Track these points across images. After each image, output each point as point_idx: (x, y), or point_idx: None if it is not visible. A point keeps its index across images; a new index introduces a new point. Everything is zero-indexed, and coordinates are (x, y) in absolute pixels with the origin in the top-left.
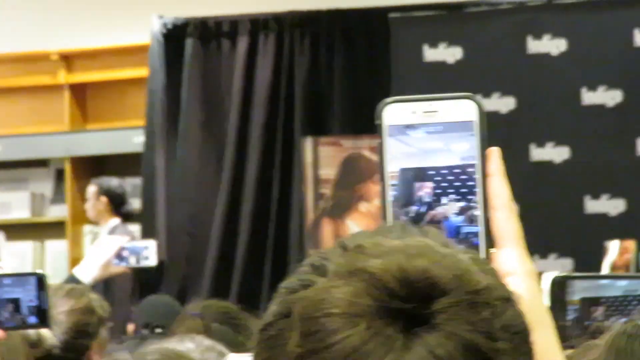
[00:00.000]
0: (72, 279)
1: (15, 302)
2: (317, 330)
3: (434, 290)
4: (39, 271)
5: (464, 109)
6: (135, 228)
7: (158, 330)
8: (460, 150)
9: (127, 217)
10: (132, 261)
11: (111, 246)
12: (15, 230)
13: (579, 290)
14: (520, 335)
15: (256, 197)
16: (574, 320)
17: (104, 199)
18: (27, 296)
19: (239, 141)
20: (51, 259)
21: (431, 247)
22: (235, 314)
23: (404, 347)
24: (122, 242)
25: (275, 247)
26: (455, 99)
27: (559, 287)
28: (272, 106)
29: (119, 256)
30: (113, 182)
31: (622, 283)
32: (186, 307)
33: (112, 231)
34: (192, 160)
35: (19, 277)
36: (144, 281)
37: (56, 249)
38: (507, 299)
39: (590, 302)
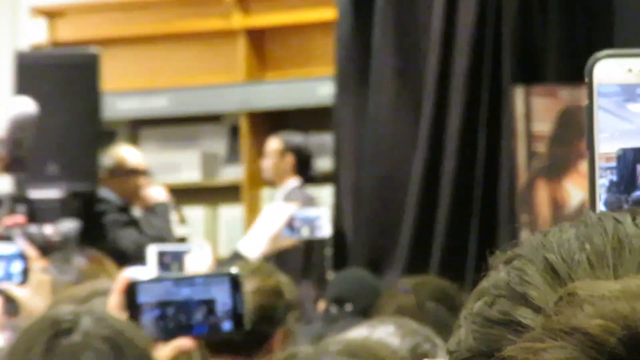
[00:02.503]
0: (236, 256)
1: (209, 304)
2: None
3: None
4: (233, 270)
5: None
6: (317, 192)
7: (348, 306)
8: None
9: (309, 180)
10: (305, 232)
11: (281, 216)
12: (185, 195)
13: None
14: None
15: (459, 155)
16: None
17: (290, 157)
18: (221, 297)
19: (439, 92)
20: (225, 227)
21: None
22: (453, 293)
23: None
24: (291, 210)
25: (481, 214)
26: None
27: None
28: (476, 51)
29: (290, 227)
30: (298, 138)
31: None
32: (397, 283)
33: (288, 194)
34: (385, 114)
35: (210, 277)
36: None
37: (231, 215)
38: None
39: None
